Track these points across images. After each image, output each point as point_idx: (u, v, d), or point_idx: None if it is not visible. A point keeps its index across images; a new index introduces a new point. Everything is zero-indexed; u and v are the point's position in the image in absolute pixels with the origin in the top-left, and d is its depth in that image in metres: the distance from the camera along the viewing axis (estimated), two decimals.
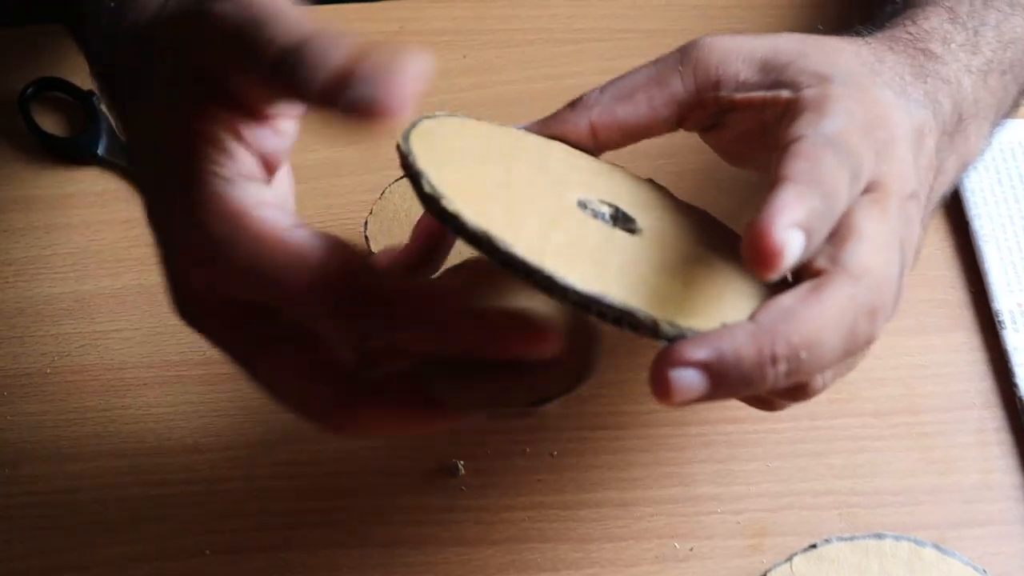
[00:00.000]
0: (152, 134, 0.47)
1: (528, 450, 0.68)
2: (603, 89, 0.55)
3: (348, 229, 0.76)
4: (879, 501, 0.66)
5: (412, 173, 0.44)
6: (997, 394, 0.69)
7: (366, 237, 0.67)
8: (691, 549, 0.65)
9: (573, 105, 0.55)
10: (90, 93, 0.82)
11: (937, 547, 0.63)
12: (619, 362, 0.70)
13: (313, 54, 0.40)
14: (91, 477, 0.68)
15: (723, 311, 0.45)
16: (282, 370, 0.47)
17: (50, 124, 0.81)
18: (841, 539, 0.63)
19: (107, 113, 0.80)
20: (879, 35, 0.57)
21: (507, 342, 0.42)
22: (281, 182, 0.49)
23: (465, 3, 0.86)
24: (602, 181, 0.53)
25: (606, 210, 0.50)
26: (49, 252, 0.76)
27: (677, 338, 0.43)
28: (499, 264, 0.42)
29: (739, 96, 0.53)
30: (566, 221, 0.47)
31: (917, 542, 0.63)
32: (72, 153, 0.80)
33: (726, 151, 0.58)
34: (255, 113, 0.46)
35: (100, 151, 0.79)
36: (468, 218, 0.42)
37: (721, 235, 0.54)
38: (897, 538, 0.63)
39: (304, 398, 0.47)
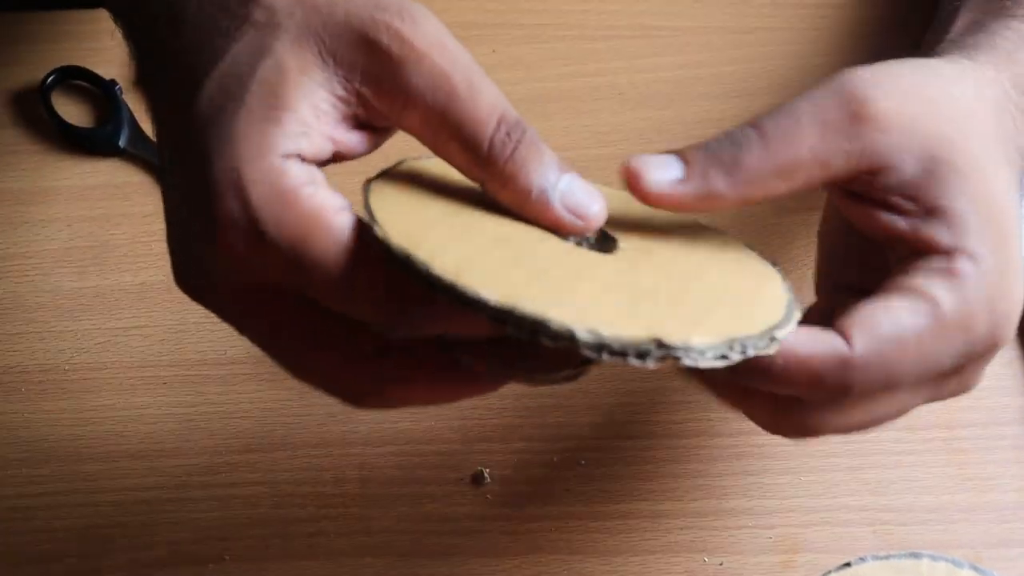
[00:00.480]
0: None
1: (556, 459, 0.67)
2: (757, 157, 0.47)
3: None
4: (914, 518, 0.64)
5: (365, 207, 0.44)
6: None
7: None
8: (721, 564, 0.63)
9: (721, 166, 0.47)
10: (113, 82, 0.80)
11: (974, 567, 0.61)
12: (647, 370, 0.68)
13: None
14: (109, 478, 0.67)
15: (664, 325, 0.43)
16: (311, 350, 0.46)
17: (71, 114, 0.80)
18: (876, 558, 0.62)
19: (130, 103, 0.79)
20: (977, 54, 0.55)
21: None
22: None
23: None
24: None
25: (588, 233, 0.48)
26: (69, 245, 0.75)
27: (598, 346, 0.41)
28: (424, 286, 0.42)
29: (893, 223, 0.49)
30: (520, 243, 0.45)
31: (955, 562, 0.61)
32: (94, 144, 0.79)
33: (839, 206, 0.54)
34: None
35: (122, 143, 0.78)
36: (392, 242, 0.42)
37: (720, 248, 0.52)
38: (934, 558, 0.61)
39: (335, 377, 0.47)
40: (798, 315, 0.46)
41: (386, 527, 0.65)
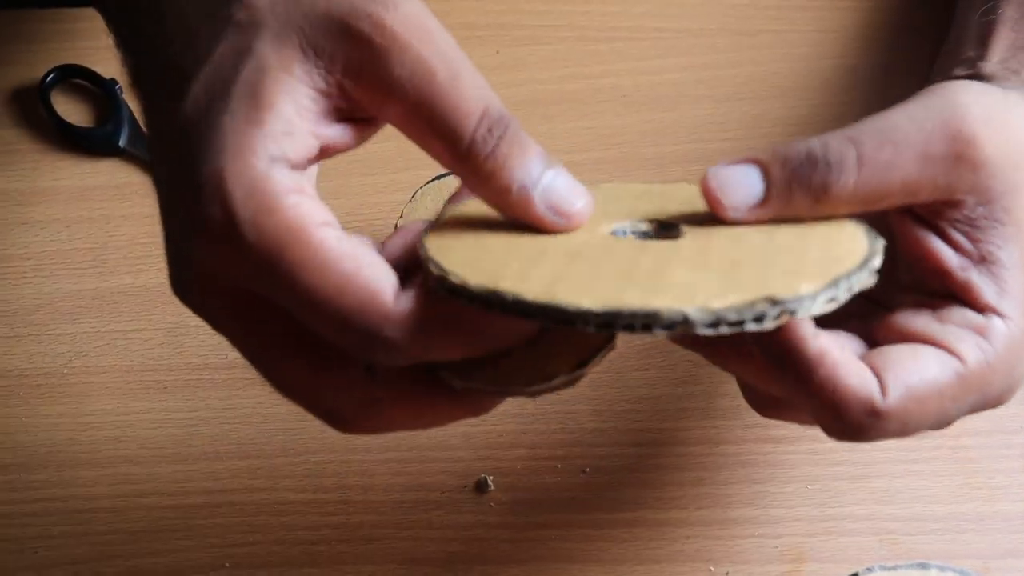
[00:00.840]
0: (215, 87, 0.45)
1: (559, 466, 0.66)
2: (850, 185, 0.46)
3: (377, 232, 0.74)
4: (921, 528, 0.64)
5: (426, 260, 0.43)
6: None
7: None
8: (727, 574, 0.63)
9: (807, 190, 0.46)
10: (113, 81, 0.80)
11: None
12: (653, 377, 0.68)
13: None
14: (108, 484, 0.66)
15: (768, 284, 0.42)
16: (294, 367, 0.45)
17: (71, 113, 0.80)
18: (884, 568, 0.61)
19: (130, 103, 0.78)
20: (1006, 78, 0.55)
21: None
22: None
23: None
24: (648, 203, 0.51)
25: (644, 227, 0.48)
26: (69, 247, 0.74)
27: (715, 321, 0.40)
28: (517, 316, 0.41)
29: (944, 255, 0.48)
30: (593, 253, 0.45)
31: (963, 573, 0.61)
32: (93, 144, 0.78)
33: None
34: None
35: (122, 143, 0.77)
36: (472, 285, 0.41)
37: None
38: (942, 568, 0.61)
39: (319, 398, 0.46)
40: (881, 241, 0.45)
41: (388, 534, 0.64)
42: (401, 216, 0.68)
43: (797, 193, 0.46)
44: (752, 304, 0.40)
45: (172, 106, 0.45)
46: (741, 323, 0.40)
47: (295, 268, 0.42)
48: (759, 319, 0.40)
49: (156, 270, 0.73)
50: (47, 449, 0.67)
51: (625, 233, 0.48)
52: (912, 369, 0.45)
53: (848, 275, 0.42)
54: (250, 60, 0.44)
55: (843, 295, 0.42)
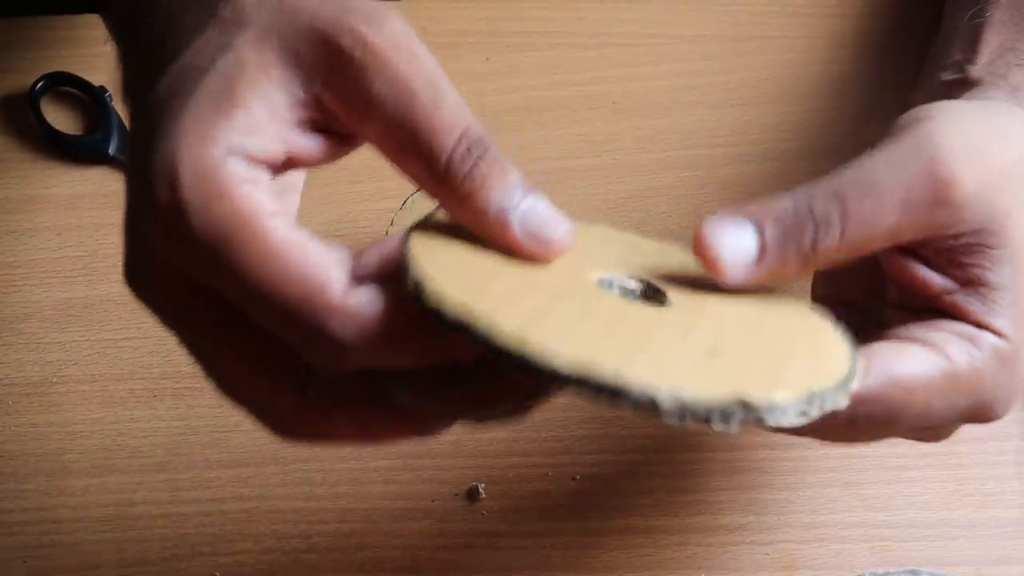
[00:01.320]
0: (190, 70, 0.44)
1: (549, 473, 0.66)
2: (837, 242, 0.46)
3: (366, 241, 0.73)
4: (913, 534, 0.63)
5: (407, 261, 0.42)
6: None
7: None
8: None
9: (799, 250, 0.46)
10: (102, 89, 0.79)
11: None
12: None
13: None
14: (98, 493, 0.66)
15: (744, 383, 0.41)
16: (238, 367, 0.44)
17: (60, 121, 0.79)
18: (875, 574, 0.61)
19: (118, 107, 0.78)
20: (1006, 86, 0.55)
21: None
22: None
23: (489, 4, 0.83)
24: (641, 257, 0.50)
25: (633, 285, 0.47)
26: (58, 255, 0.74)
27: (681, 412, 0.39)
28: (484, 348, 0.39)
29: (931, 280, 0.49)
30: (572, 298, 0.43)
31: None
32: (83, 152, 0.78)
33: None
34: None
35: (112, 150, 0.77)
36: (447, 308, 0.40)
37: (763, 292, 0.51)
38: (934, 575, 0.61)
39: (260, 401, 0.44)
40: (863, 362, 0.45)
41: (379, 543, 0.64)
42: (392, 224, 0.67)
43: (789, 251, 0.46)
44: (722, 404, 0.39)
45: (142, 92, 0.45)
46: (708, 419, 0.39)
47: (239, 255, 0.41)
48: (726, 419, 0.39)
49: None
50: (36, 458, 0.67)
51: (612, 285, 0.47)
52: (895, 361, 0.45)
53: (823, 393, 0.41)
54: (229, 55, 0.43)
55: (814, 412, 0.41)
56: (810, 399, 0.41)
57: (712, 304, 0.46)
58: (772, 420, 0.40)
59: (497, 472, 0.66)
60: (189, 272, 0.42)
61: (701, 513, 0.64)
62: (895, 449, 0.66)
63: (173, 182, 0.41)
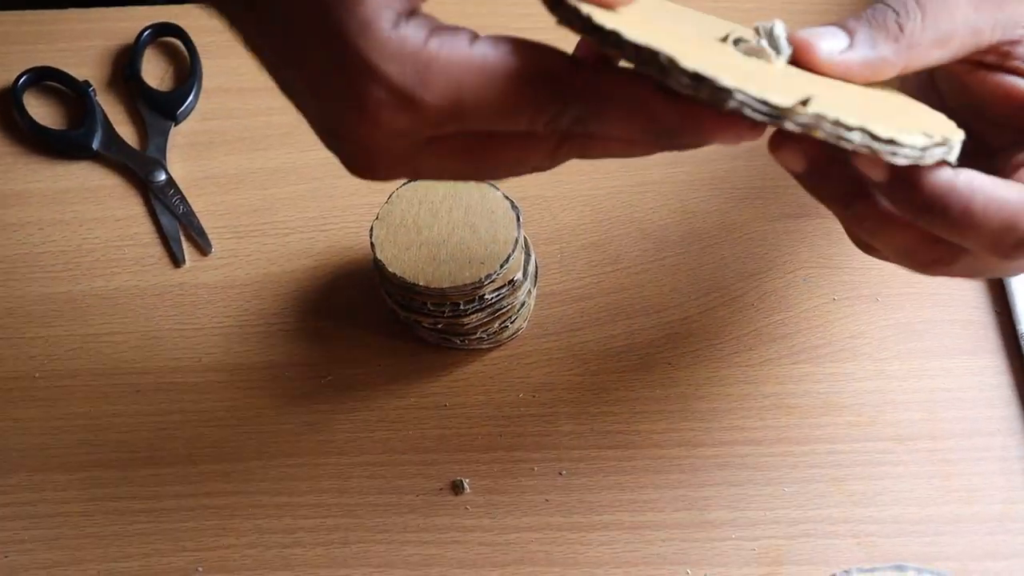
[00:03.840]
0: None
1: (536, 468, 0.65)
2: (920, 26, 0.50)
3: (352, 233, 0.73)
4: (898, 530, 0.63)
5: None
6: (1022, 421, 0.66)
7: (372, 243, 0.65)
8: None
9: (886, 34, 0.50)
10: (86, 84, 0.79)
11: None
12: (630, 379, 0.68)
13: None
14: (80, 488, 0.65)
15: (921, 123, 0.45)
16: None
17: (44, 115, 0.79)
18: (861, 570, 0.61)
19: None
20: None
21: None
22: None
23: (482, 1, 0.83)
24: (713, 27, 0.52)
25: (764, 43, 0.49)
26: (41, 250, 0.74)
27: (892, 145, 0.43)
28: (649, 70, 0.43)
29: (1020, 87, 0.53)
30: (712, 44, 0.47)
31: (940, 575, 0.60)
32: (67, 147, 0.77)
33: (958, 77, 0.56)
34: None
35: (96, 145, 0.77)
36: (625, 34, 0.43)
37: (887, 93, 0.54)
38: (920, 570, 0.61)
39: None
40: (961, 133, 0.48)
41: (363, 538, 0.64)
42: (377, 218, 0.67)
43: (878, 37, 0.49)
44: (927, 138, 0.44)
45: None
46: (918, 152, 0.44)
47: (481, 96, 0.43)
48: (923, 150, 0.44)
49: (129, 273, 0.72)
50: (18, 453, 0.67)
51: (739, 43, 0.49)
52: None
53: (942, 139, 0.45)
54: None
55: (936, 151, 0.45)
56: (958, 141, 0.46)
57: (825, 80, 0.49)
58: (953, 155, 0.45)
59: (482, 467, 0.65)
60: (440, 131, 0.45)
61: (687, 509, 0.64)
62: (881, 445, 0.66)
63: (380, 78, 0.43)
